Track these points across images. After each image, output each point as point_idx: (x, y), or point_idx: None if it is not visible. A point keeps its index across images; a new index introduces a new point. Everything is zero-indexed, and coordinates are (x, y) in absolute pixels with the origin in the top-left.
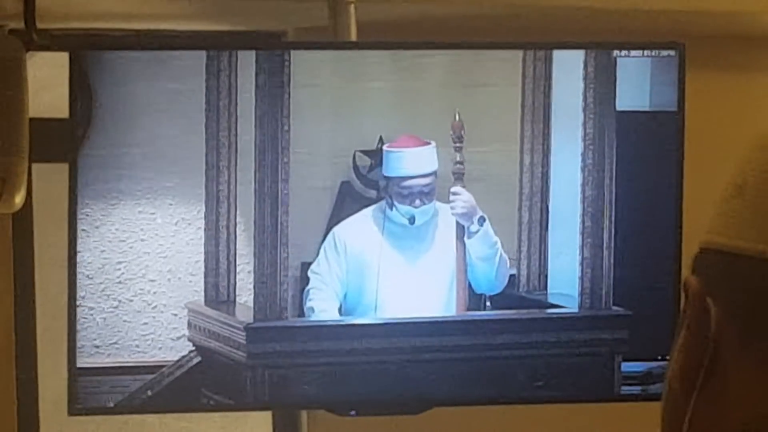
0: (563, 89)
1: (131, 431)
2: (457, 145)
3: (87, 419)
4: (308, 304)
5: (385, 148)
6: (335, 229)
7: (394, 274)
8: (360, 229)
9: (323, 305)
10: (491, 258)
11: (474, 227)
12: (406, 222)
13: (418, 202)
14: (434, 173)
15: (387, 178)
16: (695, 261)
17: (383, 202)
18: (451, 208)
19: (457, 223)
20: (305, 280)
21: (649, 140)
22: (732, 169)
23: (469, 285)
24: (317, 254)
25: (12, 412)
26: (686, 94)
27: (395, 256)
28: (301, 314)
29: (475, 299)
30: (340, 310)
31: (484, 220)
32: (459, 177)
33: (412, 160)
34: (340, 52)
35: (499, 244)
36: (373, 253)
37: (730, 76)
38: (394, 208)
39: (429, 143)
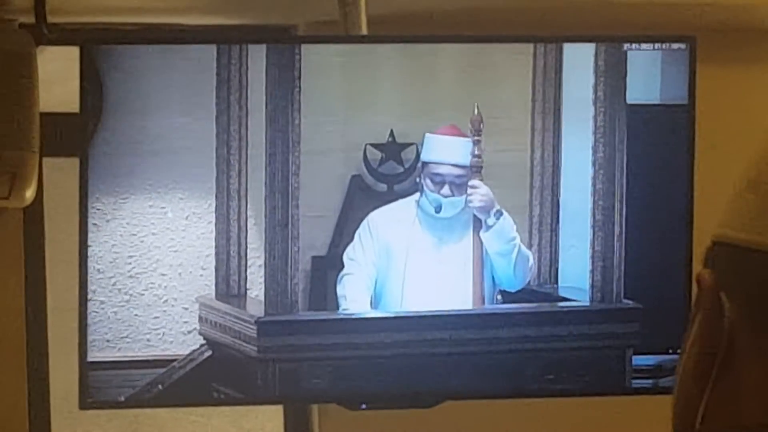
0: (574, 82)
1: (142, 425)
2: (476, 138)
3: (98, 413)
4: (340, 291)
5: (427, 134)
6: (370, 215)
7: (421, 265)
8: (393, 217)
9: (355, 294)
10: (508, 253)
11: (491, 221)
12: (433, 210)
13: (446, 190)
14: (469, 168)
15: (424, 164)
16: (708, 254)
17: (418, 194)
18: (469, 201)
19: (475, 216)
20: (317, 274)
21: (660, 133)
22: (745, 162)
23: (493, 280)
24: (329, 246)
25: (23, 406)
26: (697, 87)
27: (424, 248)
28: (316, 307)
29: (487, 293)
30: (371, 299)
31: (501, 214)
32: (477, 170)
33: (448, 147)
34: (351, 45)
35: (517, 240)
36: (402, 243)
37: (741, 69)
38: (424, 195)
39: (467, 136)
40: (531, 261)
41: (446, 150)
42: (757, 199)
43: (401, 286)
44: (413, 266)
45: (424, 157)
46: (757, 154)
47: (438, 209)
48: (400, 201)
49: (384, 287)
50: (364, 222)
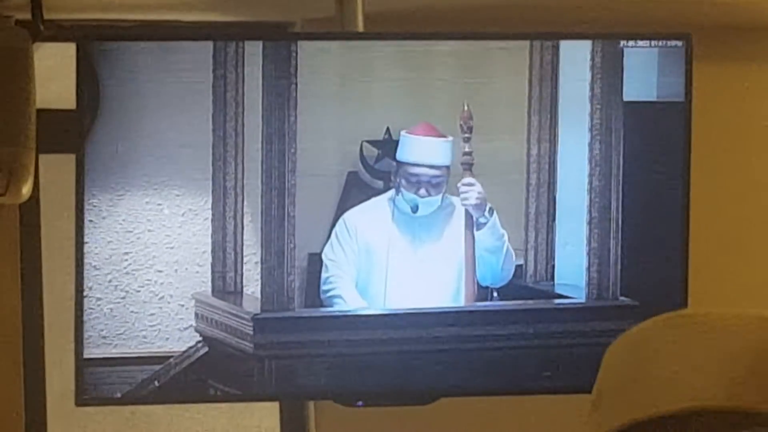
0: (570, 80)
1: (138, 422)
2: (466, 135)
3: (94, 410)
4: (331, 292)
5: (402, 132)
6: (345, 215)
7: (403, 263)
8: (370, 216)
9: (347, 292)
10: (499, 250)
11: (483, 218)
12: (409, 210)
13: (423, 191)
14: (446, 167)
15: (399, 163)
16: None
17: (393, 191)
18: (464, 199)
19: (467, 213)
20: (313, 270)
21: (656, 131)
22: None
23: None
24: (325, 243)
25: (19, 402)
26: (693, 84)
27: (404, 246)
28: (313, 303)
29: (482, 290)
30: None
31: (493, 211)
32: (468, 168)
33: (424, 149)
34: (347, 42)
35: (506, 236)
36: (382, 242)
37: (737, 67)
38: (400, 194)
39: (446, 137)
40: (514, 257)
41: (422, 151)
42: None
43: (384, 285)
44: (395, 265)
45: (399, 156)
46: None
47: (414, 209)
48: (374, 199)
49: (365, 287)
50: (341, 221)
